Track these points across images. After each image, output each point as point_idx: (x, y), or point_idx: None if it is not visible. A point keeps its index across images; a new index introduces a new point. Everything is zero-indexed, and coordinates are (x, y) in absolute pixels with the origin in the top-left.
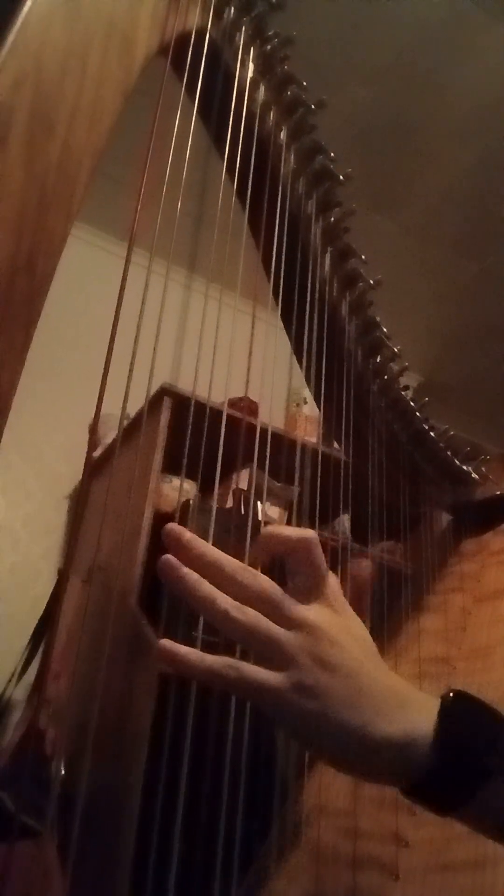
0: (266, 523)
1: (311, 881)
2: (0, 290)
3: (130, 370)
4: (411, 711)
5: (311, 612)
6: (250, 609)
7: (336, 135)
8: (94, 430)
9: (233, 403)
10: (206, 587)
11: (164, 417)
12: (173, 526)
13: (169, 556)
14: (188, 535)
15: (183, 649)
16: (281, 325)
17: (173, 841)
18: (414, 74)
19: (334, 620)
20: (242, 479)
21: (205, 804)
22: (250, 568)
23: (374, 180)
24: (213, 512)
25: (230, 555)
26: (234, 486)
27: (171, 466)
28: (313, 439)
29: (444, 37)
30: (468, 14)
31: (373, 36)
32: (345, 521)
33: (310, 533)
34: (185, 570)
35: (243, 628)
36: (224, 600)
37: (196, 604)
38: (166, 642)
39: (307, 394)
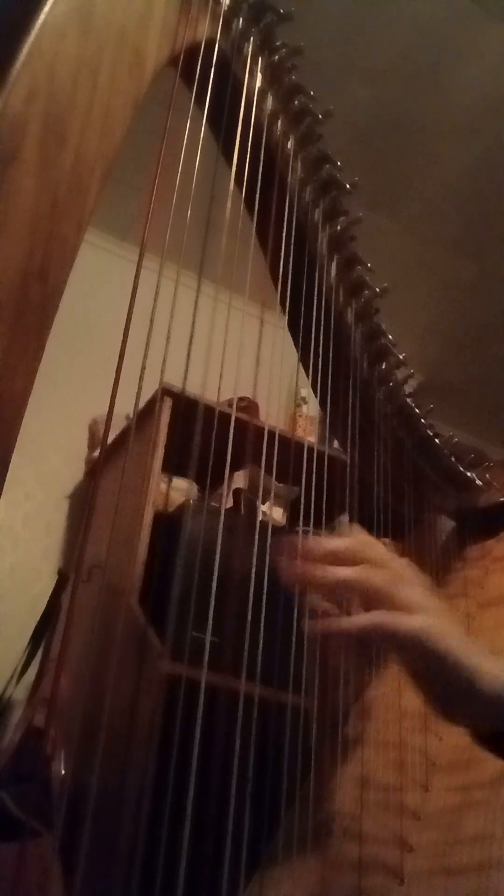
0: (266, 523)
1: (317, 884)
2: (13, 298)
3: (142, 372)
4: None
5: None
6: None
7: (336, 134)
8: (105, 428)
9: (233, 403)
10: (334, 569)
11: (164, 417)
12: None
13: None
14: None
15: (335, 618)
16: (281, 323)
17: (179, 842)
18: (414, 74)
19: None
20: (242, 479)
21: (210, 805)
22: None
23: (374, 179)
24: (213, 512)
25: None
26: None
27: (171, 466)
28: (313, 439)
29: (445, 36)
30: (468, 14)
31: (373, 36)
32: (344, 520)
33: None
34: (309, 565)
35: (381, 581)
36: (355, 569)
37: (334, 583)
38: (317, 621)
39: (307, 393)
